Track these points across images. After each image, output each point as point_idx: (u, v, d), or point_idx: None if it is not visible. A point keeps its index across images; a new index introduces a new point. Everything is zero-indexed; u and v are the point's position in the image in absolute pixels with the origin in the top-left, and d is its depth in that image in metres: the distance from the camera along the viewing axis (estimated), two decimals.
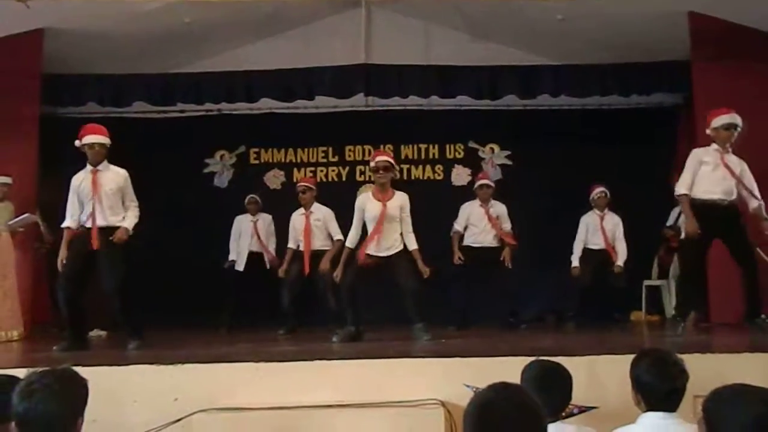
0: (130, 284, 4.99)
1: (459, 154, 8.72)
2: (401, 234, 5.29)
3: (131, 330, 4.95)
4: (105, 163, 5.01)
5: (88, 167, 4.99)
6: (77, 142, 4.95)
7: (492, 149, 8.74)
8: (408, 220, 5.30)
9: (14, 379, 2.12)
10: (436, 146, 8.74)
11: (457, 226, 6.91)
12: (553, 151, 7.99)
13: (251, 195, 7.56)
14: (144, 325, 5.12)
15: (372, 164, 5.43)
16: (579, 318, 6.92)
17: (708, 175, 5.08)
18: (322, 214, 6.69)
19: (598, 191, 7.16)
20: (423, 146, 8.74)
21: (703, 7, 6.62)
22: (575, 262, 7.09)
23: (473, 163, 8.62)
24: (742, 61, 6.56)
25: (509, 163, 8.69)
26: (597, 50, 7.48)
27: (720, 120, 5.16)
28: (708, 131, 5.23)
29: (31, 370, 2.02)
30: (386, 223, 5.20)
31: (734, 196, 5.10)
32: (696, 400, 2.48)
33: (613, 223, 7.10)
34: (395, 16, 8.03)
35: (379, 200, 5.26)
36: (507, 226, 6.91)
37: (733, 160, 5.16)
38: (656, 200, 7.33)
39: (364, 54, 7.84)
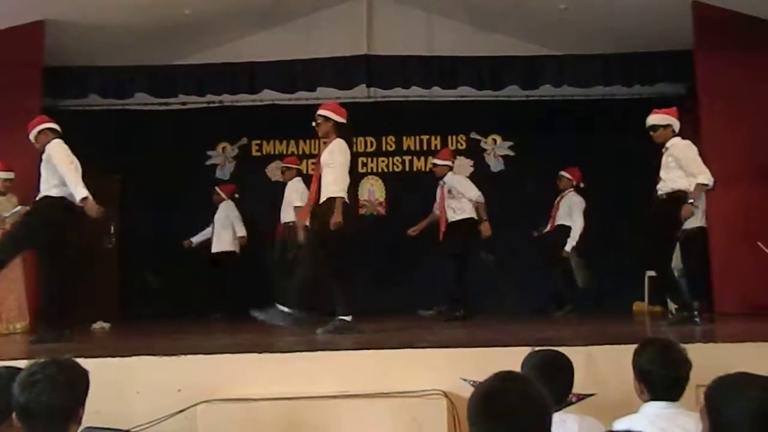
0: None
1: (461, 145, 8.69)
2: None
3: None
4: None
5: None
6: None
7: (494, 140, 8.72)
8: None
9: (16, 371, 2.11)
10: (438, 137, 8.72)
11: (436, 209, 6.91)
12: (556, 142, 7.97)
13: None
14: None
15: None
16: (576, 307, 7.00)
17: None
18: (292, 186, 6.99)
19: (560, 173, 7.30)
20: (425, 137, 8.73)
21: None
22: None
23: (475, 154, 8.61)
24: (745, 50, 6.52)
25: (511, 154, 8.67)
26: (600, 40, 7.44)
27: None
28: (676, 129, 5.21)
29: (32, 360, 2.02)
30: (320, 170, 5.05)
31: (668, 187, 5.12)
32: (699, 390, 2.47)
33: (568, 204, 7.18)
34: (397, 7, 8.01)
35: None
36: (471, 194, 6.61)
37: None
38: None
39: (366, 45, 7.83)
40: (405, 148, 8.72)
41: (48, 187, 4.82)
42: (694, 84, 7.05)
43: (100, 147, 7.61)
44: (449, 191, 6.72)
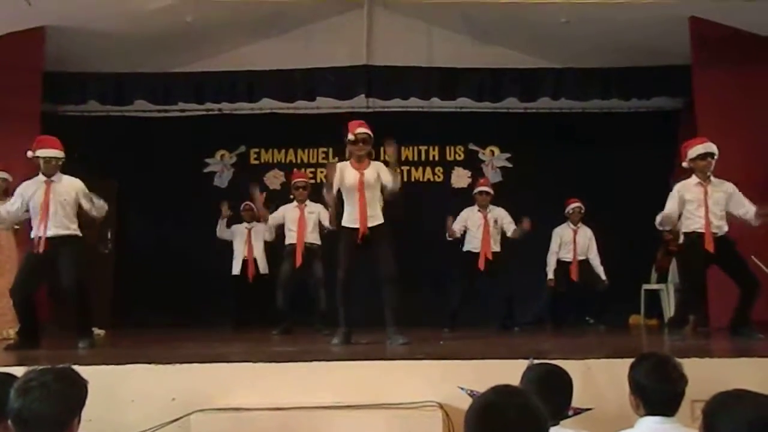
0: (89, 285, 5.10)
1: (459, 156, 8.72)
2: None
3: (81, 329, 4.98)
4: (58, 174, 5.02)
5: (41, 177, 4.99)
6: (30, 153, 4.96)
7: (492, 152, 8.74)
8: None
9: (11, 378, 2.10)
10: (437, 148, 8.74)
11: (455, 226, 6.82)
12: (554, 155, 8.00)
13: (246, 202, 7.57)
14: (92, 324, 5.21)
15: (350, 136, 4.98)
16: (551, 323, 7.20)
17: (695, 212, 5.07)
18: (315, 207, 6.69)
19: (574, 206, 7.23)
20: (423, 148, 8.74)
21: (704, 12, 6.64)
22: (550, 274, 7.21)
23: (473, 165, 8.63)
24: (742, 66, 6.58)
25: (509, 165, 8.69)
26: (598, 54, 7.48)
27: (695, 150, 5.07)
28: (684, 164, 5.18)
29: (31, 367, 2.01)
30: (366, 191, 4.99)
31: (726, 226, 5.08)
32: (694, 405, 2.48)
33: (587, 237, 7.18)
34: (397, 18, 8.03)
35: (356, 169, 5.02)
36: (511, 227, 6.82)
37: (718, 187, 5.10)
38: (655, 204, 7.32)
39: (365, 55, 7.84)
40: (403, 158, 8.71)
41: (75, 227, 5.00)
42: (691, 99, 7.09)
43: (99, 153, 7.62)
44: (495, 221, 6.84)
